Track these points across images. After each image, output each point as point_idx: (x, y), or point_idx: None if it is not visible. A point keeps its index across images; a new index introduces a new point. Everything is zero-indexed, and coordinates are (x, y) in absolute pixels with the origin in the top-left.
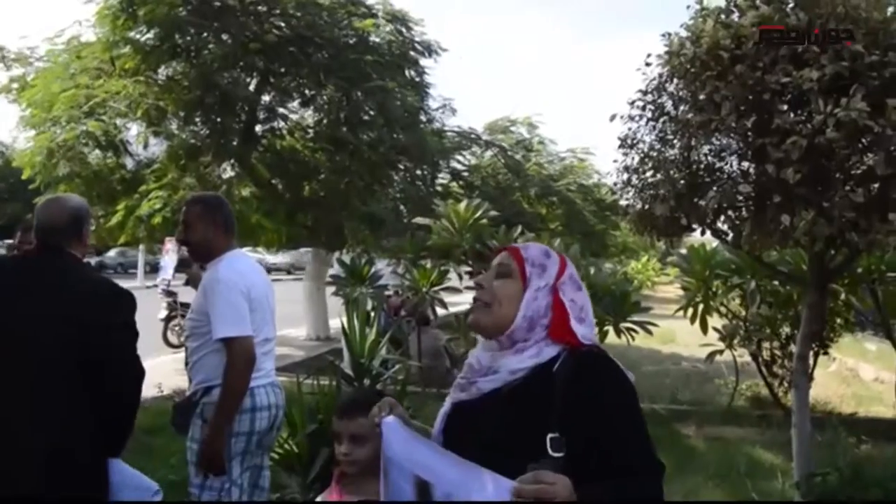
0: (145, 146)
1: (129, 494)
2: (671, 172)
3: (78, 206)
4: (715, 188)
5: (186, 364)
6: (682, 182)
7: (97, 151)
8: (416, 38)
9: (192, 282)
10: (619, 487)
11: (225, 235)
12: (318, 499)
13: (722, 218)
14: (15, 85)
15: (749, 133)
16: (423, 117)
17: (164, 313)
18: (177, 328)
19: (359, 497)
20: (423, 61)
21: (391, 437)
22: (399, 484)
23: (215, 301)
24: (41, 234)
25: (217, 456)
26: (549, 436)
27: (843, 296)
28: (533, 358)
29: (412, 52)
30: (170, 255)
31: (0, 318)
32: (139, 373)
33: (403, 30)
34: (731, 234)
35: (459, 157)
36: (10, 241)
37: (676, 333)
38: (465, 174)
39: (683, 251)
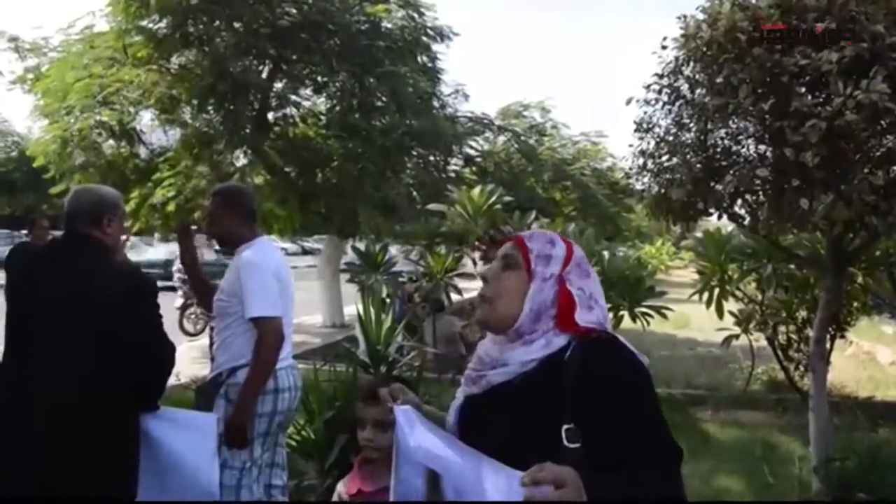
0: (165, 133)
1: (192, 433)
2: (687, 156)
3: (100, 196)
4: (732, 172)
5: (211, 345)
6: (698, 166)
7: (111, 141)
8: (429, 24)
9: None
10: (633, 475)
11: (248, 224)
12: (339, 485)
13: (739, 202)
14: (30, 75)
15: (767, 116)
16: (435, 103)
17: (179, 301)
18: (192, 316)
19: (380, 484)
20: (436, 46)
21: (405, 424)
22: (411, 480)
23: (248, 281)
24: (65, 221)
25: (241, 430)
26: (565, 427)
27: (860, 279)
28: (542, 349)
29: (424, 38)
30: None
31: (23, 303)
32: (169, 349)
33: (415, 15)
34: (748, 219)
35: (472, 143)
36: (25, 232)
37: (691, 318)
38: (479, 159)
39: (698, 235)
